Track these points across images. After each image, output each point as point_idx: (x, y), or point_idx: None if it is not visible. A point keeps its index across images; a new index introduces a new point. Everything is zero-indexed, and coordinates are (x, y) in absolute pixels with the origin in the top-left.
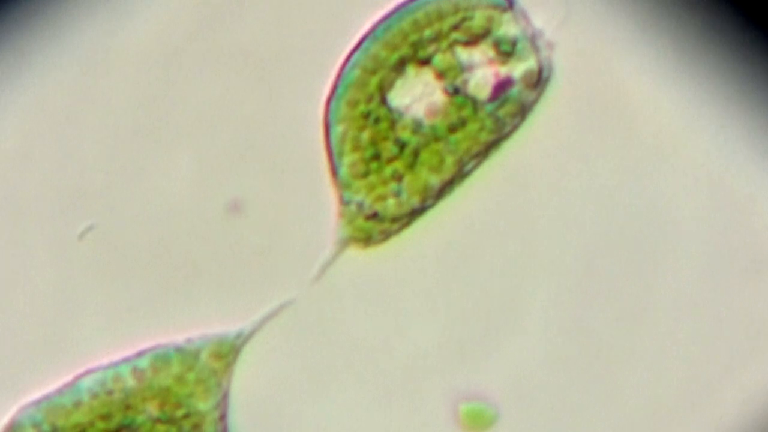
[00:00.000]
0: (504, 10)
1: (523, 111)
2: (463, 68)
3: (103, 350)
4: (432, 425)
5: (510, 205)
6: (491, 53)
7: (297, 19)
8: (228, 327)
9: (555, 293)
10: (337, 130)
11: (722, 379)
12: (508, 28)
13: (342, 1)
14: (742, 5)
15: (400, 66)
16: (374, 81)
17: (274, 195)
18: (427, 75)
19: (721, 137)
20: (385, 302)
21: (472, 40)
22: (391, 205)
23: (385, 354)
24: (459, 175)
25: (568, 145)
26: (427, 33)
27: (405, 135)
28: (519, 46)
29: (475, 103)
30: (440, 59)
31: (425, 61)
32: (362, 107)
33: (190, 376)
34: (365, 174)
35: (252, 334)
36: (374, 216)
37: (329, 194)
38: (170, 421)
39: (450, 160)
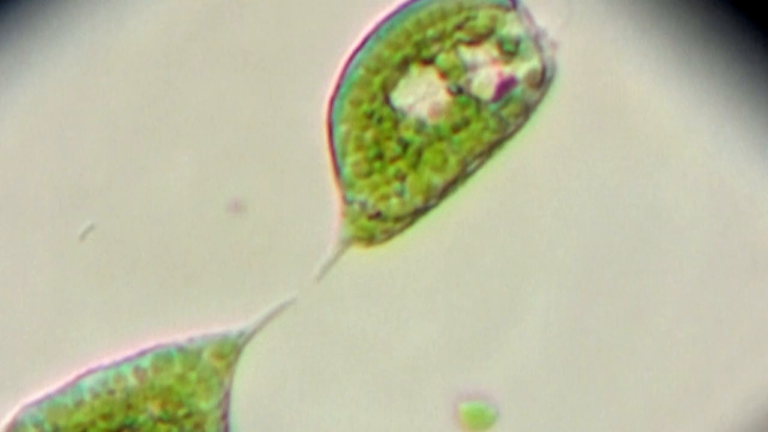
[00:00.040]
0: (507, 9)
1: (526, 111)
2: (467, 68)
3: (105, 350)
4: (432, 425)
5: (512, 205)
6: (495, 53)
7: (299, 18)
8: (230, 326)
9: (555, 293)
10: (340, 129)
11: (722, 379)
12: (511, 27)
13: (344, 1)
14: (742, 5)
15: (403, 65)
16: (377, 80)
17: (276, 194)
18: (431, 74)
19: (721, 137)
20: (387, 302)
21: (476, 40)
22: (394, 205)
23: (386, 353)
24: (462, 175)
25: (570, 144)
26: (431, 32)
27: (408, 134)
28: (522, 45)
29: (478, 102)
30: (444, 59)
31: (429, 61)
32: (365, 107)
33: (192, 376)
34: (368, 173)
35: (254, 333)
36: (377, 215)
37: (332, 194)
38: (172, 420)
39: (453, 160)
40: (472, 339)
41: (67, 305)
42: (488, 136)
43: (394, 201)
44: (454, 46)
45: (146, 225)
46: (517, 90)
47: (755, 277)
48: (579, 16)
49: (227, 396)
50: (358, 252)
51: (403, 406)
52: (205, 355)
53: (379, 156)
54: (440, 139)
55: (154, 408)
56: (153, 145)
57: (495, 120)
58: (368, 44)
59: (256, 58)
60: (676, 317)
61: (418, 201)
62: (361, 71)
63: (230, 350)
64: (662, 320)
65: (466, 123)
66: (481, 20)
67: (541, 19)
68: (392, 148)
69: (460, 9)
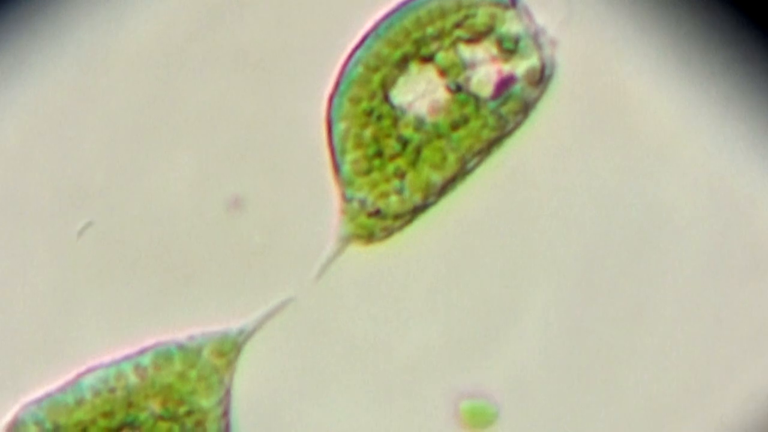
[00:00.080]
0: (507, 7)
1: (525, 108)
2: (466, 65)
3: (105, 348)
4: (432, 423)
5: (512, 203)
6: (494, 50)
7: (298, 17)
8: (230, 324)
9: (555, 292)
10: (340, 127)
11: (722, 379)
12: (510, 25)
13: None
14: (742, 5)
15: (402, 63)
16: (377, 78)
17: (276, 192)
18: (430, 72)
19: (721, 137)
20: (387, 299)
21: (475, 38)
22: (393, 203)
23: (386, 351)
24: (461, 173)
25: (570, 143)
26: (430, 30)
27: (407, 132)
28: (522, 43)
29: (477, 100)
30: (443, 56)
31: (428, 59)
32: (365, 104)
33: (193, 374)
34: (367, 171)
35: (254, 331)
36: (376, 213)
37: (331, 191)
38: (173, 418)
39: (452, 158)
40: (472, 338)
41: (68, 304)
42: (487, 134)
43: (394, 199)
44: (454, 43)
45: (146, 224)
46: (516, 88)
47: (755, 277)
48: (578, 15)
49: (228, 394)
50: (357, 250)
51: (403, 404)
52: (206, 353)
53: (379, 154)
54: (439, 136)
55: (154, 406)
56: (153, 145)
57: (494, 118)
58: (367, 42)
59: (255, 56)
60: (676, 317)
61: (418, 199)
62: (360, 69)
63: (230, 348)
64: (662, 320)
65: (465, 121)
66: (481, 18)
67: (541, 17)
68: (391, 145)
69: (459, 7)
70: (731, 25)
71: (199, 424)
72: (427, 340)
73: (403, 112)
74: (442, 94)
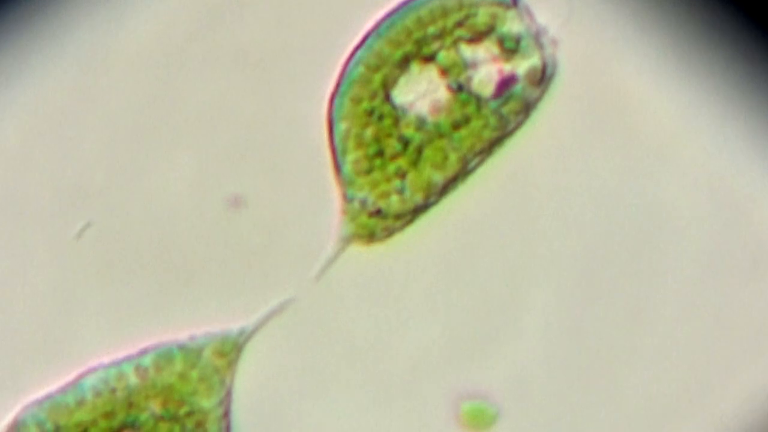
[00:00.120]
0: (508, 7)
1: (526, 108)
2: (467, 65)
3: (106, 348)
4: (433, 424)
5: (513, 203)
6: (495, 50)
7: (299, 16)
8: (231, 324)
9: (556, 292)
10: (341, 127)
11: (722, 379)
12: (512, 25)
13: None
14: (742, 5)
15: (404, 63)
16: (378, 78)
17: (276, 192)
18: (431, 72)
19: (721, 137)
20: (388, 300)
21: (476, 37)
22: (394, 202)
23: (386, 352)
24: (462, 173)
25: (571, 142)
26: (431, 30)
27: (408, 132)
28: (523, 43)
29: (478, 100)
30: (444, 56)
31: (429, 58)
32: (366, 104)
33: (193, 374)
34: (368, 171)
35: (255, 331)
36: (377, 213)
37: (332, 191)
38: (173, 418)
39: (453, 158)
40: (474, 337)
41: (68, 304)
42: (488, 134)
43: (395, 198)
44: (455, 43)
45: (146, 224)
46: (518, 87)
47: (755, 277)
48: (579, 14)
49: (228, 394)
50: (358, 250)
51: (403, 405)
52: (206, 353)
53: (380, 153)
54: (441, 136)
55: (155, 406)
56: (153, 145)
57: (495, 117)
58: (368, 42)
59: (256, 56)
60: (676, 317)
61: (419, 198)
62: (361, 69)
63: (231, 348)
64: (662, 320)
65: (467, 120)
66: (482, 17)
67: (542, 17)
68: (392, 145)
69: (460, 6)
70: (731, 25)
71: (200, 424)
72: (427, 340)
73: (405, 111)
74: (443, 94)
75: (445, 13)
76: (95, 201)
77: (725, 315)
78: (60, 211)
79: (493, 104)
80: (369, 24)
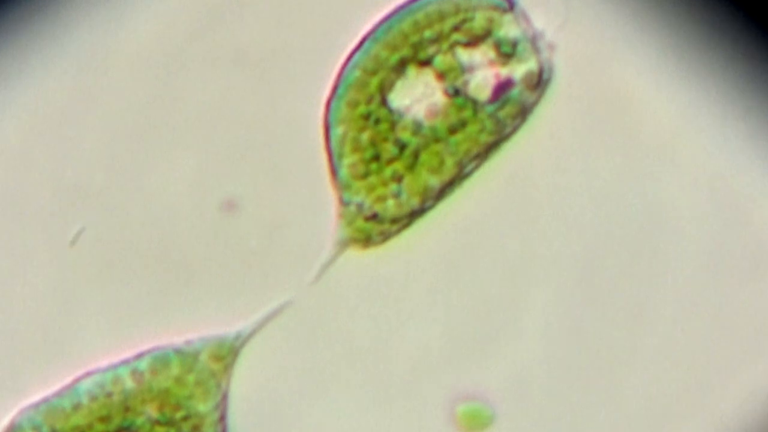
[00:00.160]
0: (505, 11)
1: (523, 112)
2: (464, 69)
3: (102, 352)
4: (432, 425)
5: (510, 207)
6: (492, 54)
7: (297, 19)
8: (227, 328)
9: (554, 294)
10: (337, 131)
11: (722, 379)
12: (508, 29)
13: (343, 1)
14: (742, 5)
15: (400, 67)
16: (375, 82)
17: (273, 196)
18: (428, 76)
19: (721, 137)
20: (384, 303)
21: (473, 41)
22: (390, 206)
23: (383, 355)
24: (459, 177)
25: (568, 146)
26: (428, 34)
27: (405, 136)
28: (520, 47)
29: (475, 104)
30: (441, 60)
31: (426, 62)
32: (362, 108)
33: (190, 378)
34: (365, 175)
35: (251, 335)
36: (374, 217)
37: (329, 195)
38: (169, 422)
39: (450, 162)
40: (471, 340)
41: (65, 307)
42: (485, 138)
43: (391, 202)
44: (452, 47)
45: (144, 226)
46: (514, 91)
47: (755, 277)
48: (578, 15)
49: (225, 398)
50: (354, 254)
51: (402, 408)
52: (203, 357)
53: (376, 157)
54: (437, 140)
55: (151, 410)
56: (152, 145)
57: (492, 121)
58: (365, 46)
59: (253, 59)
60: (676, 317)
61: (415, 202)
62: (358, 73)
63: (227, 352)
64: (662, 320)
65: (463, 124)
66: (479, 22)
67: (539, 21)
68: (389, 149)
69: (457, 10)
70: (731, 25)
71: (196, 428)
72: (425, 341)
73: (401, 115)
74: (439, 98)
75: (441, 17)
76: (95, 201)
77: (725, 315)
78: (60, 211)
79: (489, 108)
80: (366, 28)
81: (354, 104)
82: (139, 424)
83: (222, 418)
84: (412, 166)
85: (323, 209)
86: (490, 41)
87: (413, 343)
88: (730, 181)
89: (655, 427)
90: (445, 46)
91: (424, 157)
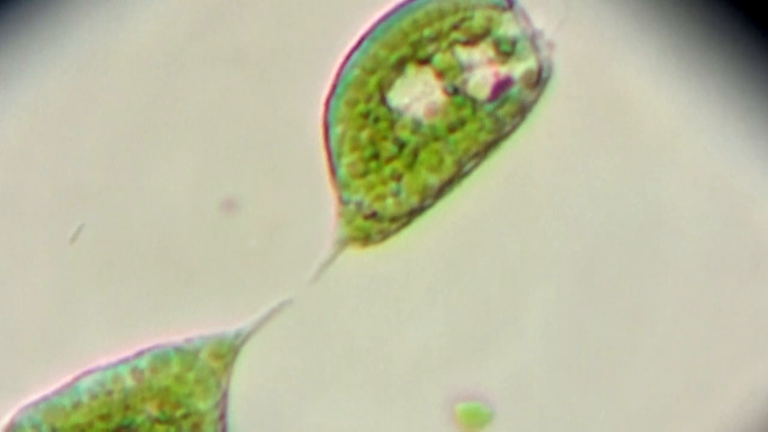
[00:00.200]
0: (504, 9)
1: (522, 111)
2: (463, 68)
3: (102, 351)
4: (431, 425)
5: (509, 205)
6: (491, 53)
7: (296, 19)
8: (227, 327)
9: (554, 293)
10: (336, 130)
11: (722, 379)
12: (508, 27)
13: (342, 1)
14: (742, 5)
15: (399, 65)
16: (374, 80)
17: (273, 195)
18: (427, 75)
19: (721, 137)
20: (384, 302)
21: (472, 40)
22: (390, 205)
23: (383, 353)
24: (458, 175)
25: (567, 145)
26: (427, 32)
27: (404, 134)
28: (519, 46)
29: (474, 102)
30: (440, 59)
31: (425, 61)
32: (361, 107)
33: (190, 376)
34: (364, 173)
35: (251, 333)
36: (373, 216)
37: (328, 194)
38: (169, 421)
39: (449, 160)
40: (471, 339)
41: (65, 306)
42: (484, 137)
43: (390, 201)
44: (451, 46)
45: (144, 225)
46: (513, 90)
47: (755, 277)
48: (578, 15)
49: (225, 396)
50: (354, 252)
51: (401, 407)
52: (203, 355)
53: (375, 156)
54: (436, 139)
55: (151, 409)
56: (152, 145)
57: (491, 120)
58: (364, 44)
59: (253, 58)
60: (676, 317)
61: (414, 201)
62: (357, 71)
63: (227, 350)
64: (662, 320)
65: (462, 123)
66: (478, 20)
67: (538, 20)
68: (388, 148)
69: (456, 9)
70: (731, 25)
71: (196, 426)
72: (424, 341)
73: (400, 114)
74: (439, 97)
75: (441, 15)
76: (95, 201)
77: (725, 315)
78: (59, 211)
79: (488, 107)
80: (365, 27)
81: (353, 103)
82: (139, 422)
83: (222, 417)
84: (411, 165)
85: (323, 208)
86: (489, 40)
87: (412, 342)
88: (730, 181)
89: (655, 427)
90: (444, 44)
91: (423, 155)
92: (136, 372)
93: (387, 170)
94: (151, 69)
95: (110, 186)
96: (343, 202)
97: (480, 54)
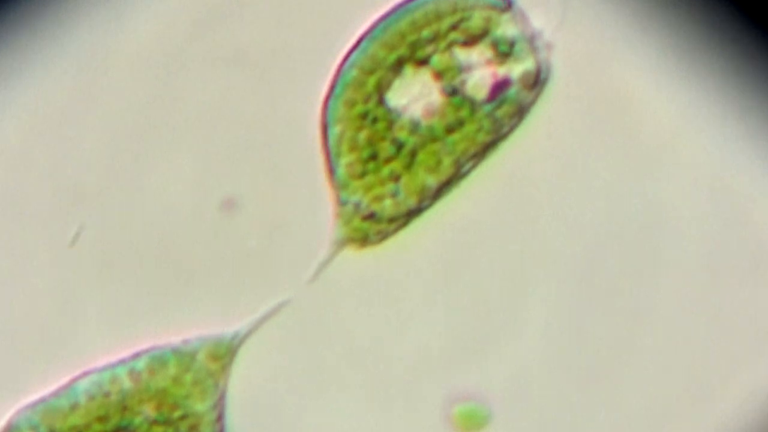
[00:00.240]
0: (502, 10)
1: (520, 112)
2: (461, 69)
3: (100, 352)
4: (428, 424)
5: (507, 206)
6: (489, 54)
7: (296, 19)
8: (224, 328)
9: (554, 293)
10: (335, 130)
11: (722, 379)
12: (506, 28)
13: (340, 1)
14: (742, 5)
15: (398, 66)
16: (372, 81)
17: (271, 195)
18: (425, 75)
19: (721, 137)
20: (382, 303)
21: (470, 41)
22: (388, 206)
23: (381, 354)
24: (456, 176)
25: (566, 145)
26: (425, 33)
27: (402, 135)
28: (517, 46)
29: (472, 103)
30: (438, 59)
31: (423, 62)
32: (360, 107)
33: (187, 378)
34: (362, 174)
35: (248, 334)
36: (371, 216)
37: (326, 195)
38: (167, 422)
39: (447, 161)
40: (469, 340)
41: (63, 307)
42: (482, 137)
43: (388, 202)
44: (449, 46)
45: (142, 226)
46: (512, 91)
47: (755, 277)
48: (577, 14)
49: (222, 398)
50: (352, 253)
51: (400, 408)
52: (200, 356)
53: (373, 157)
54: (434, 140)
55: (149, 410)
56: (152, 145)
57: (489, 121)
58: (363, 45)
59: (253, 58)
60: (676, 317)
61: (412, 202)
62: (355, 72)
63: (225, 352)
64: (662, 320)
65: (460, 124)
66: (476, 21)
67: (536, 21)
68: (386, 148)
69: (454, 10)
70: (731, 25)
71: (194, 428)
72: (421, 342)
73: (398, 115)
74: (437, 97)
75: (439, 16)
76: (95, 201)
77: (725, 315)
78: (59, 211)
79: (486, 108)
80: (363, 27)
81: (351, 103)
82: (137, 423)
83: (219, 418)
84: (409, 166)
85: (321, 208)
86: (487, 40)
87: (411, 342)
88: (730, 181)
89: (655, 427)
90: (442, 45)
91: (421, 156)
92: (133, 373)
93: (385, 171)
94: (151, 69)
95: (110, 186)
96: (341, 202)
97: (478, 55)
